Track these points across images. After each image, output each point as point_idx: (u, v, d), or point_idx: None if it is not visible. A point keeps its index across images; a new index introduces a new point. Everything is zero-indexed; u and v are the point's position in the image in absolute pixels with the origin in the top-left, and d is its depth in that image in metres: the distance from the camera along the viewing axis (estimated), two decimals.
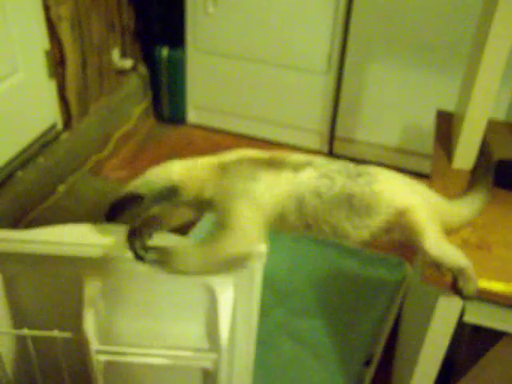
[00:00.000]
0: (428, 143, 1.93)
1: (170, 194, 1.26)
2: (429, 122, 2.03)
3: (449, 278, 1.33)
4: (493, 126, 1.81)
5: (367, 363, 2.18)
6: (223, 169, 1.28)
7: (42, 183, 2.73)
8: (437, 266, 1.33)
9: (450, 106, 1.96)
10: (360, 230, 1.31)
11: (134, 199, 1.24)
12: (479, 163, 1.65)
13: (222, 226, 1.23)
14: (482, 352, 1.62)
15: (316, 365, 2.16)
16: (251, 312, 1.42)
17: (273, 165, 1.28)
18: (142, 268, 1.33)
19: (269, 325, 2.27)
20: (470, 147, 1.65)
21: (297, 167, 1.29)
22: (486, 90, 1.55)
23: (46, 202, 2.77)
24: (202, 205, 1.29)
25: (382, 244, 2.72)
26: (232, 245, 1.22)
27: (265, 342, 2.19)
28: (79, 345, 1.38)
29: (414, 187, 1.38)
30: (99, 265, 1.35)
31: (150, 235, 1.29)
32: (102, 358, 1.42)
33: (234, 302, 1.37)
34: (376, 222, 1.30)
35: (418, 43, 2.90)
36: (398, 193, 1.32)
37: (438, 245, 1.30)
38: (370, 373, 2.16)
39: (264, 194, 1.25)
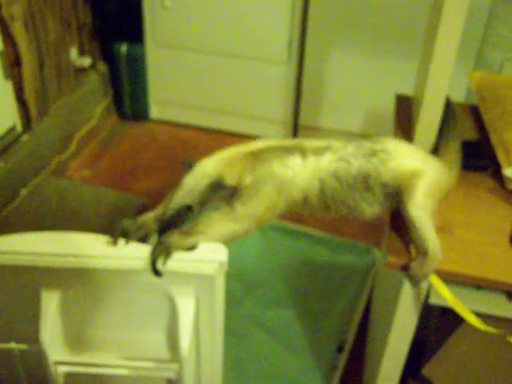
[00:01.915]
0: (390, 127, 1.94)
1: (215, 189, 1.30)
2: (390, 107, 2.03)
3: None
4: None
5: (340, 349, 2.19)
6: (256, 157, 1.33)
7: (4, 187, 2.68)
8: (411, 237, 1.35)
9: (409, 90, 1.97)
10: (374, 206, 1.38)
11: (185, 211, 1.28)
12: (445, 123, 1.65)
13: (243, 202, 1.30)
14: (450, 333, 1.64)
15: (288, 354, 2.16)
16: (214, 321, 1.39)
17: (297, 150, 1.34)
18: (102, 278, 1.31)
19: (239, 316, 2.27)
20: (429, 129, 1.66)
21: (317, 151, 1.34)
22: (442, 71, 1.56)
23: (9, 206, 2.72)
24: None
25: (351, 231, 2.73)
26: (243, 217, 1.30)
27: (236, 333, 2.19)
28: (38, 357, 1.34)
29: (429, 162, 1.42)
30: (58, 275, 1.31)
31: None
32: (61, 369, 1.38)
33: (196, 311, 1.34)
34: (388, 193, 1.36)
35: (377, 29, 2.91)
36: (412, 164, 1.37)
37: (421, 212, 1.32)
38: (343, 359, 2.17)
39: (293, 179, 1.32)
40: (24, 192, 2.81)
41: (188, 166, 1.34)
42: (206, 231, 1.29)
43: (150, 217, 1.38)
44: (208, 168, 1.31)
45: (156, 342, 1.43)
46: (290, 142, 1.38)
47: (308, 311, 2.32)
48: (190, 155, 1.38)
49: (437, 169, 1.42)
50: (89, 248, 1.30)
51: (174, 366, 1.40)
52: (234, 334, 2.18)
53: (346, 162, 1.34)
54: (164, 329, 1.41)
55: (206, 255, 1.28)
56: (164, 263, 1.26)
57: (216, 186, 1.29)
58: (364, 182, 1.34)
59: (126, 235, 1.31)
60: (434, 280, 1.33)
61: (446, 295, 1.33)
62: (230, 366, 2.06)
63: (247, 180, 1.30)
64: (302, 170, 1.32)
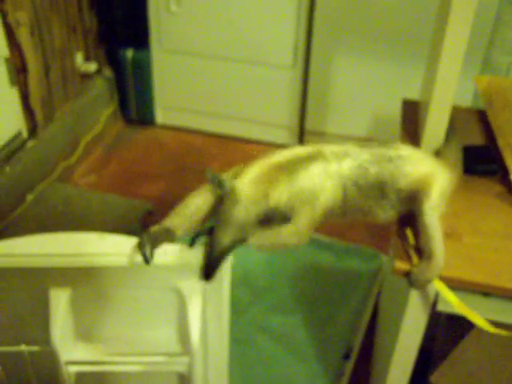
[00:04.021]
0: (396, 132, 1.93)
1: (269, 217, 1.24)
2: (396, 111, 2.02)
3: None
4: (458, 113, 1.81)
5: (346, 356, 2.18)
6: (285, 170, 1.27)
7: (10, 193, 2.68)
8: (420, 239, 1.34)
9: (415, 94, 1.95)
10: (388, 211, 1.37)
11: (237, 245, 1.24)
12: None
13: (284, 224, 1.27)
14: (458, 340, 1.63)
15: (295, 361, 2.15)
16: (221, 313, 1.41)
17: (319, 159, 1.31)
18: (110, 276, 1.31)
19: (246, 322, 2.26)
20: (436, 134, 1.65)
21: (337, 158, 1.32)
22: (449, 76, 1.55)
23: (14, 212, 2.72)
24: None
25: (356, 236, 2.72)
26: (289, 237, 1.29)
27: (242, 340, 2.18)
28: (48, 357, 1.35)
29: (439, 166, 1.42)
30: (65, 274, 1.32)
31: (161, 241, 1.29)
32: (73, 368, 1.38)
33: (204, 304, 1.36)
34: (402, 198, 1.35)
35: (383, 34, 2.90)
36: (425, 168, 1.37)
37: (434, 213, 1.32)
38: (349, 366, 2.16)
39: (328, 199, 1.30)
40: (30, 198, 2.81)
41: (216, 182, 1.25)
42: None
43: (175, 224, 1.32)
44: (251, 193, 1.23)
45: (166, 336, 1.44)
46: (311, 149, 1.34)
47: (314, 317, 2.31)
48: (211, 168, 1.34)
49: (447, 173, 1.41)
50: (94, 246, 1.31)
51: (185, 359, 1.41)
52: (240, 340, 2.16)
53: (364, 169, 1.32)
54: (173, 322, 1.42)
55: None
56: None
57: (270, 215, 1.23)
58: (380, 189, 1.33)
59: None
60: (439, 285, 1.32)
61: (451, 300, 1.31)
62: (236, 373, 2.04)
63: (283, 200, 1.24)
64: (328, 181, 1.30)
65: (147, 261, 1.25)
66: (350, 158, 1.33)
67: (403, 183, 1.34)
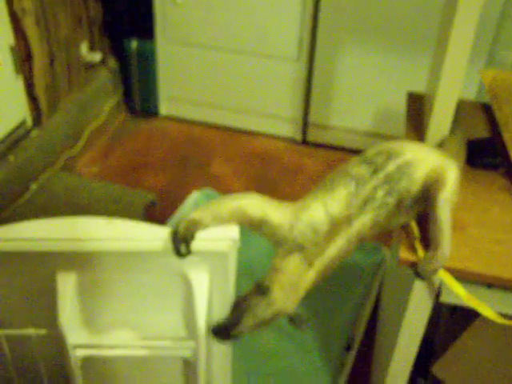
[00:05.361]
0: (401, 125, 1.94)
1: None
2: (401, 105, 2.03)
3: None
4: (463, 106, 1.81)
5: (348, 348, 2.19)
6: (318, 271, 1.35)
7: (14, 182, 2.69)
8: (429, 230, 1.34)
9: (420, 87, 1.96)
10: (404, 218, 1.36)
11: None
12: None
13: None
14: (460, 331, 1.64)
15: (297, 352, 2.15)
16: (227, 298, 1.41)
17: (344, 231, 1.28)
18: (116, 260, 1.32)
19: None
20: (441, 127, 1.65)
21: (360, 212, 1.28)
22: (455, 70, 1.55)
23: (18, 201, 2.73)
24: None
25: None
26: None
27: None
28: (56, 341, 1.36)
29: (447, 157, 1.39)
30: (72, 259, 1.34)
31: (192, 237, 1.29)
32: (80, 352, 1.40)
33: (210, 288, 1.37)
34: (416, 200, 1.33)
35: (388, 27, 2.91)
36: (434, 162, 1.34)
37: (447, 204, 1.31)
38: (351, 357, 2.17)
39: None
40: (34, 187, 2.82)
41: (259, 287, 1.28)
42: None
43: None
44: (284, 304, 1.27)
45: (172, 320, 1.45)
46: (338, 210, 1.27)
47: (316, 309, 2.31)
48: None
49: (455, 165, 1.39)
50: (102, 231, 1.32)
51: (191, 343, 1.42)
52: None
53: (384, 205, 1.29)
54: (180, 307, 1.44)
55: (218, 233, 1.30)
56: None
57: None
58: (398, 208, 1.31)
59: None
60: (446, 277, 1.32)
61: (459, 292, 1.32)
62: (238, 363, 2.05)
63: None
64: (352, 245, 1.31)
65: (182, 255, 1.28)
66: (370, 205, 1.29)
67: (416, 188, 1.32)
